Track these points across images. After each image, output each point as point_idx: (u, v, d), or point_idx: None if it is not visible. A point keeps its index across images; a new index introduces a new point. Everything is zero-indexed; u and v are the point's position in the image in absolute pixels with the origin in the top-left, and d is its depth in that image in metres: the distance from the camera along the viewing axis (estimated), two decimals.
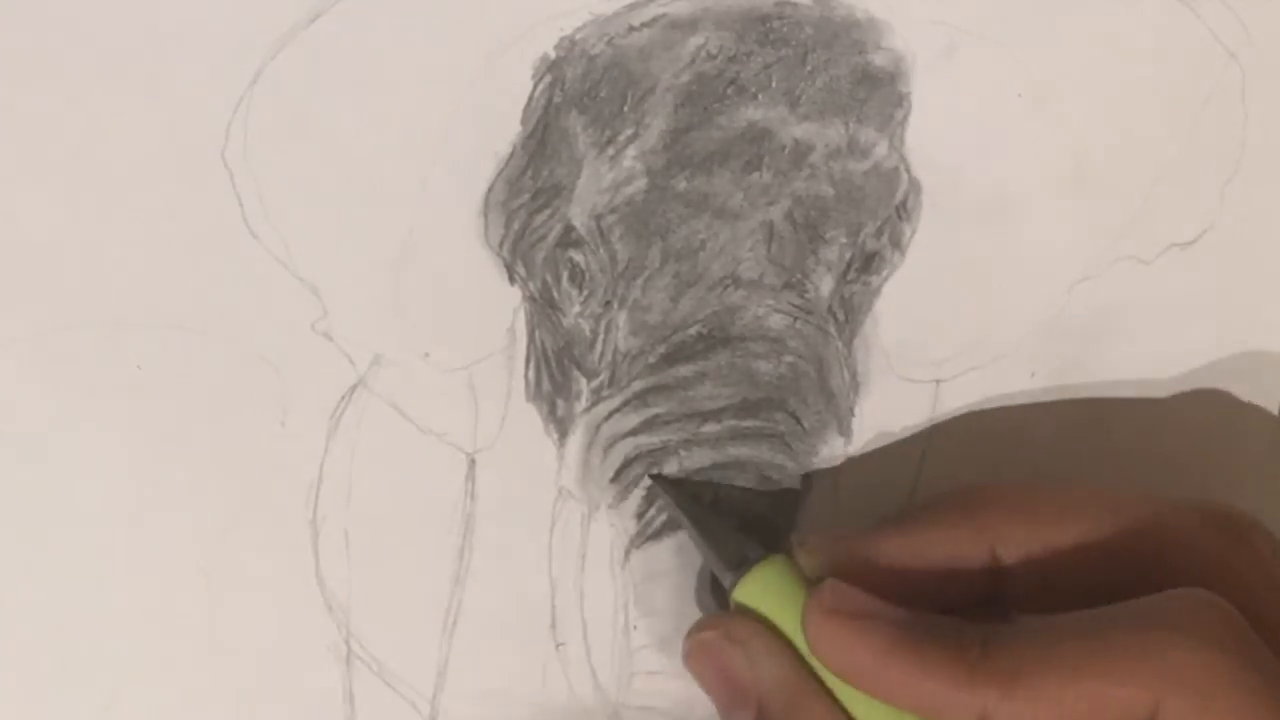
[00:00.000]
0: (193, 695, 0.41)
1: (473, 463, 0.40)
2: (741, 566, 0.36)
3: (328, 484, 0.41)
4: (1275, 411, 0.42)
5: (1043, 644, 0.32)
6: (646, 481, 0.39)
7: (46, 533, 0.40)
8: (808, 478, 0.40)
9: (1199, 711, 0.30)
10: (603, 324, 0.38)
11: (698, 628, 0.37)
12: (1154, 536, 0.35)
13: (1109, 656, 0.31)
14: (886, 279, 0.39)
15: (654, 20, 0.37)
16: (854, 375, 0.39)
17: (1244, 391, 0.41)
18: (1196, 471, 0.42)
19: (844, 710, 0.34)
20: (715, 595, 0.40)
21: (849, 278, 0.38)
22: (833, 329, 0.38)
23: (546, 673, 0.41)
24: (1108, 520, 0.35)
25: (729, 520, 0.39)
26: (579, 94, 0.37)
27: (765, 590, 0.36)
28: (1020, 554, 0.35)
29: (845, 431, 0.39)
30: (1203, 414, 0.42)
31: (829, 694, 0.34)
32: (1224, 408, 0.41)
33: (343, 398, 0.39)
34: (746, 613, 0.36)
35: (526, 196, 0.38)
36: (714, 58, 0.37)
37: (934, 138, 0.38)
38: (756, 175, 0.37)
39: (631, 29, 0.37)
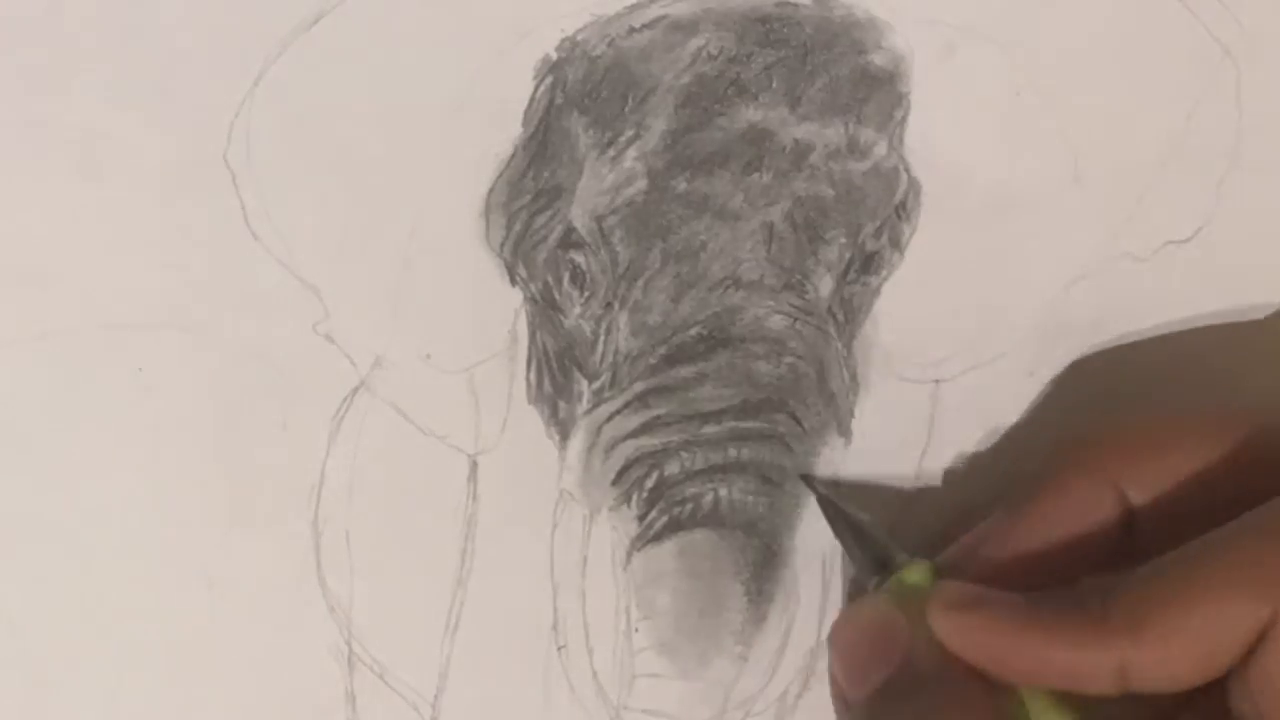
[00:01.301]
0: (194, 697, 0.41)
1: (474, 464, 0.40)
2: (886, 570, 0.37)
3: (329, 485, 0.41)
4: (1270, 405, 0.41)
5: (1159, 583, 0.32)
6: (648, 483, 0.39)
7: (47, 534, 0.39)
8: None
9: None
10: (604, 325, 0.38)
11: (860, 604, 0.37)
12: (1266, 449, 0.35)
13: (1220, 576, 0.31)
14: (886, 279, 0.39)
15: (655, 21, 0.37)
16: (854, 376, 0.39)
17: (1241, 388, 0.41)
18: None
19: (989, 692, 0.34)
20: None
21: (849, 278, 0.38)
22: (833, 330, 0.39)
23: (548, 675, 0.41)
24: (1225, 438, 0.35)
25: (880, 526, 0.39)
26: (580, 95, 0.37)
27: (911, 589, 0.36)
28: (1151, 492, 0.35)
29: (845, 432, 0.39)
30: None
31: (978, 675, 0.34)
32: (1222, 404, 0.41)
33: (344, 399, 0.39)
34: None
35: (528, 198, 0.38)
36: (714, 58, 0.37)
37: (933, 137, 0.38)
38: (757, 176, 0.38)
39: (632, 30, 0.37)
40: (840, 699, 0.36)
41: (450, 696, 0.42)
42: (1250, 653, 0.31)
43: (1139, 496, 0.35)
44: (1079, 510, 0.36)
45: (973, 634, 0.34)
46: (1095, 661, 0.32)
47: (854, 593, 0.40)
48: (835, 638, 0.37)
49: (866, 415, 0.40)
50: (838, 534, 0.39)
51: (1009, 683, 0.34)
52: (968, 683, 0.34)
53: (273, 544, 0.41)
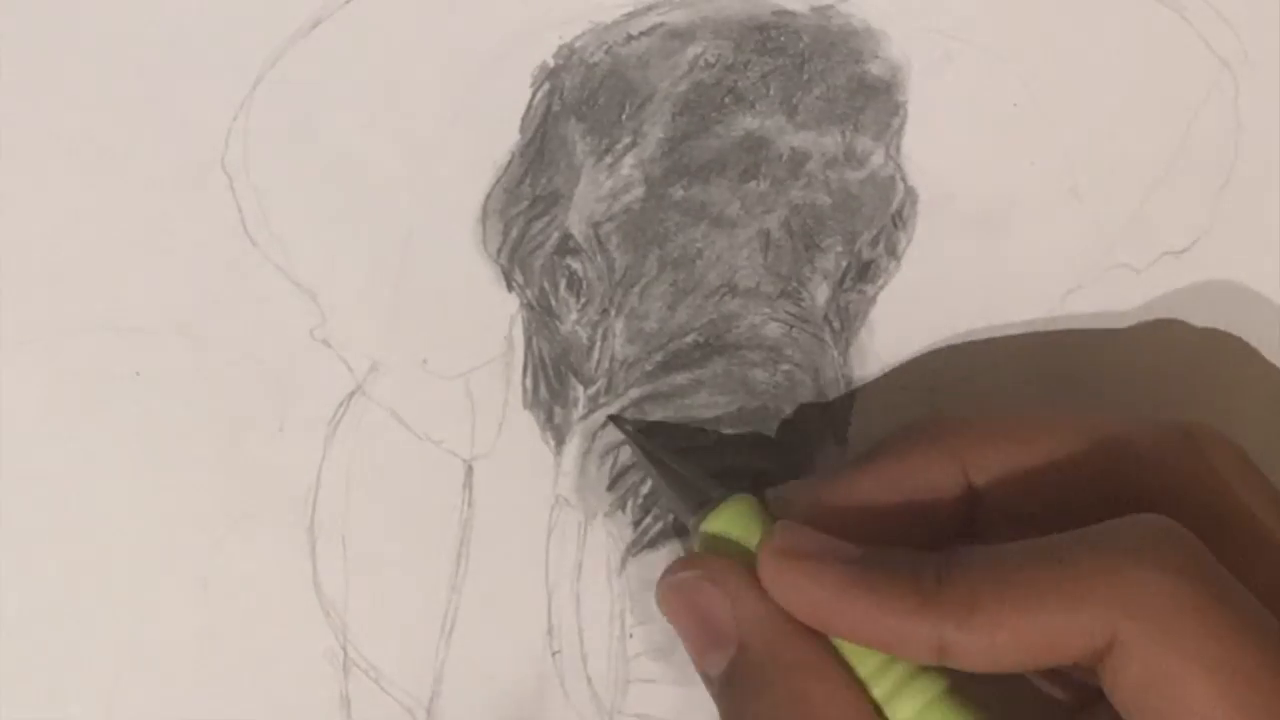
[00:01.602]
0: (189, 700, 0.41)
1: (470, 470, 0.40)
2: (704, 507, 0.36)
3: (325, 490, 0.40)
4: (1266, 416, 0.41)
5: (999, 572, 0.32)
6: (643, 490, 0.39)
7: (44, 537, 0.39)
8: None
9: (1156, 637, 0.30)
10: (600, 332, 0.38)
11: (671, 569, 0.36)
12: (1123, 454, 0.35)
13: (1066, 584, 0.31)
14: (882, 288, 0.39)
15: (652, 29, 0.37)
16: (850, 384, 0.39)
17: (1237, 399, 0.41)
18: None
19: (828, 646, 0.34)
20: (681, 547, 0.40)
21: (845, 286, 0.38)
22: (829, 337, 0.38)
23: (542, 680, 0.41)
24: (1077, 439, 0.35)
25: (694, 464, 0.38)
26: (577, 102, 0.37)
27: (732, 530, 0.36)
28: (994, 478, 0.35)
29: (841, 440, 0.39)
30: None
31: (809, 631, 0.34)
32: (1218, 415, 0.41)
33: (341, 404, 0.39)
34: (718, 552, 0.36)
35: (525, 204, 0.38)
36: (712, 66, 0.37)
37: (930, 146, 0.38)
38: (753, 184, 0.37)
39: (630, 37, 0.37)
40: (700, 671, 0.36)
41: (445, 701, 0.42)
42: (1095, 663, 0.31)
43: (982, 480, 0.35)
44: (922, 477, 0.35)
45: (798, 586, 0.33)
46: (917, 635, 0.31)
47: (677, 533, 0.39)
48: (665, 613, 0.36)
49: (862, 423, 0.40)
50: (654, 479, 0.39)
51: (822, 630, 0.33)
52: (809, 660, 0.34)
53: (268, 548, 0.41)
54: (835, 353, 0.39)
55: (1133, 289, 0.40)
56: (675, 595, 0.35)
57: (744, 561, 0.34)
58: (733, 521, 0.35)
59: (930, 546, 0.34)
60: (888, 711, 0.33)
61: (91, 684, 0.40)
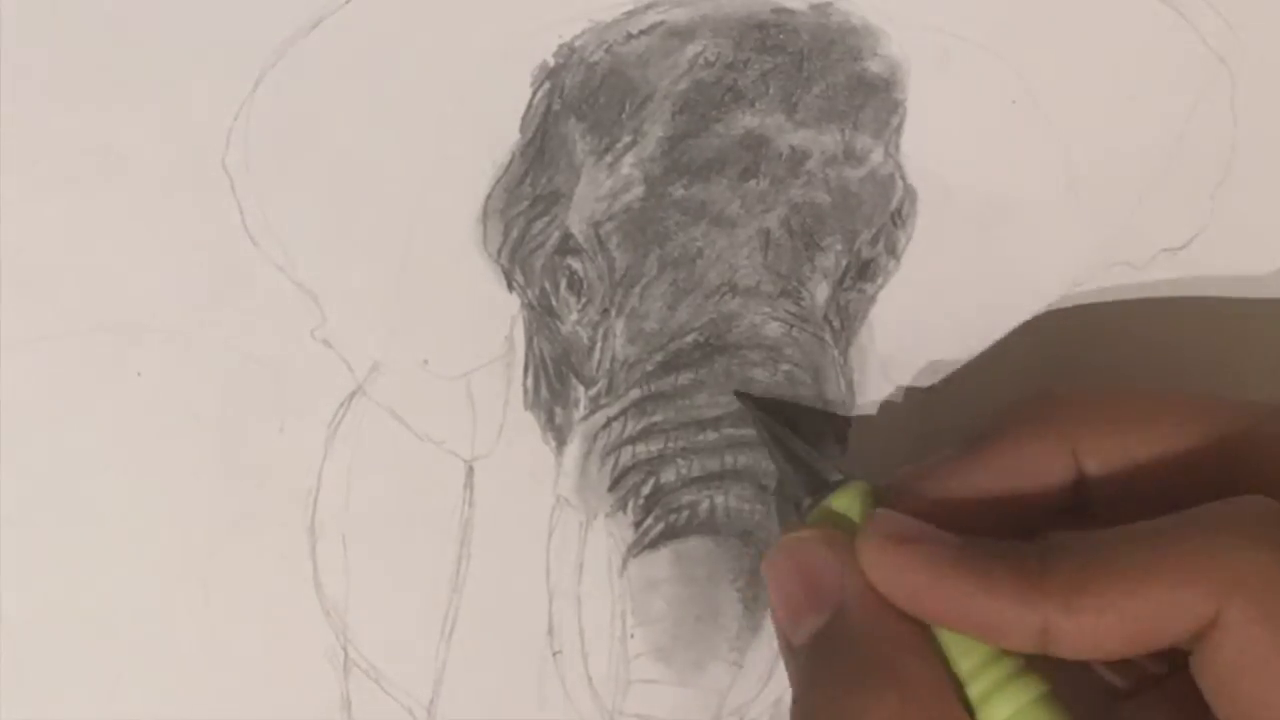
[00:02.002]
0: (190, 701, 0.41)
1: (471, 470, 0.40)
2: (821, 490, 0.36)
3: (326, 490, 0.41)
4: None
5: (1103, 554, 0.31)
6: (644, 490, 0.39)
7: (45, 537, 0.39)
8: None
9: (1262, 617, 0.30)
10: (600, 332, 0.38)
11: (790, 528, 0.36)
12: (1242, 442, 0.34)
13: (1170, 563, 0.31)
14: (882, 286, 0.39)
15: (652, 28, 0.37)
16: (850, 383, 0.39)
17: (1236, 396, 0.40)
18: None
19: (929, 636, 0.34)
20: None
21: (845, 285, 0.38)
22: (829, 336, 0.38)
23: (543, 680, 0.41)
24: (1196, 425, 0.35)
25: (810, 445, 0.38)
26: (577, 101, 0.37)
27: (847, 515, 0.36)
28: (1106, 462, 0.35)
29: (841, 439, 0.39)
30: None
31: (917, 620, 0.34)
32: None
33: (341, 404, 0.39)
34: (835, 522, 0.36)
35: (525, 204, 0.38)
36: (711, 65, 0.37)
37: (929, 145, 0.38)
38: (753, 183, 0.38)
39: (630, 36, 0.37)
40: (784, 640, 0.35)
41: (445, 701, 0.42)
42: (1193, 644, 0.31)
43: (1094, 466, 0.35)
44: (1030, 466, 0.35)
45: (900, 570, 0.33)
46: (1019, 618, 0.31)
47: (786, 516, 0.39)
48: (770, 574, 0.36)
49: (863, 422, 0.40)
50: (773, 456, 0.39)
51: (924, 618, 0.33)
52: (906, 637, 0.33)
53: (269, 548, 0.41)
54: (835, 352, 0.39)
55: (1132, 286, 0.40)
56: (786, 555, 0.35)
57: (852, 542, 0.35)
58: (848, 506, 0.35)
59: (1040, 529, 0.34)
60: (981, 714, 0.33)
61: (92, 684, 0.40)
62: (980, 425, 0.36)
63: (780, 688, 0.40)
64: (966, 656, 0.33)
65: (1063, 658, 0.31)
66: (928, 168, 0.38)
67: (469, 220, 0.38)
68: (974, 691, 0.32)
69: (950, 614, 0.32)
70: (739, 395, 0.39)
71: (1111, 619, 0.30)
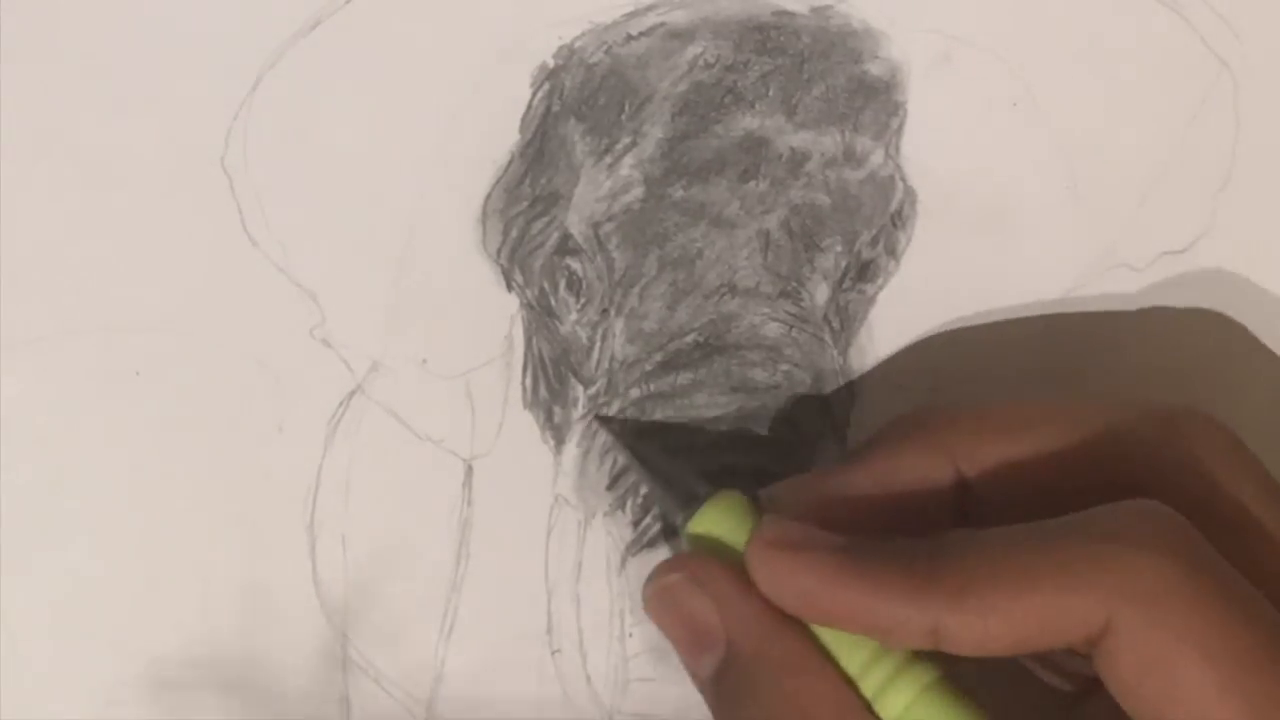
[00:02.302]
0: (187, 700, 0.41)
1: (470, 469, 0.40)
2: (692, 505, 0.36)
3: (325, 489, 0.41)
4: (1267, 416, 0.41)
5: (992, 555, 0.32)
6: (643, 489, 0.39)
7: (42, 537, 0.39)
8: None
9: (1151, 621, 0.30)
10: (599, 332, 0.38)
11: (657, 572, 0.35)
12: (1112, 441, 0.35)
13: (1059, 567, 0.31)
14: (882, 287, 0.39)
15: (652, 29, 0.37)
16: (849, 384, 0.39)
17: (1238, 399, 0.41)
18: None
19: (816, 644, 0.34)
20: (671, 546, 0.39)
21: (844, 286, 0.38)
22: (828, 337, 0.39)
23: (542, 679, 0.41)
24: (1067, 428, 0.35)
25: (681, 461, 0.38)
26: (577, 102, 0.37)
27: (719, 528, 0.35)
28: (984, 470, 0.35)
29: (840, 440, 0.39)
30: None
31: (800, 628, 0.34)
32: (1218, 414, 0.40)
33: (340, 404, 0.39)
34: (705, 553, 0.35)
35: (524, 204, 0.38)
36: (711, 66, 0.37)
37: (929, 146, 0.38)
38: (753, 184, 0.37)
39: (630, 38, 0.37)
40: (691, 675, 0.36)
41: (444, 700, 0.42)
42: (1089, 648, 0.32)
43: (973, 472, 0.35)
44: (912, 472, 0.35)
45: (788, 575, 0.33)
46: (910, 619, 0.31)
47: (666, 533, 0.39)
48: (652, 618, 0.36)
49: (862, 423, 0.40)
50: (643, 479, 0.39)
51: (815, 623, 0.33)
52: (800, 657, 0.34)
53: (268, 547, 0.41)
54: (835, 353, 0.39)
55: (1133, 288, 0.40)
56: (659, 600, 0.35)
57: (733, 560, 0.34)
58: (721, 519, 0.35)
59: (928, 532, 0.34)
60: (878, 707, 0.33)
61: (89, 683, 0.40)
62: (864, 441, 0.37)
63: None
64: (854, 654, 0.33)
65: (954, 654, 0.32)
66: (928, 170, 0.38)
67: (468, 220, 0.38)
68: (868, 687, 0.33)
69: (842, 616, 0.32)
70: (599, 419, 0.40)
71: (997, 621, 0.31)
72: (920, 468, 0.35)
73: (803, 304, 0.38)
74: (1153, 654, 0.30)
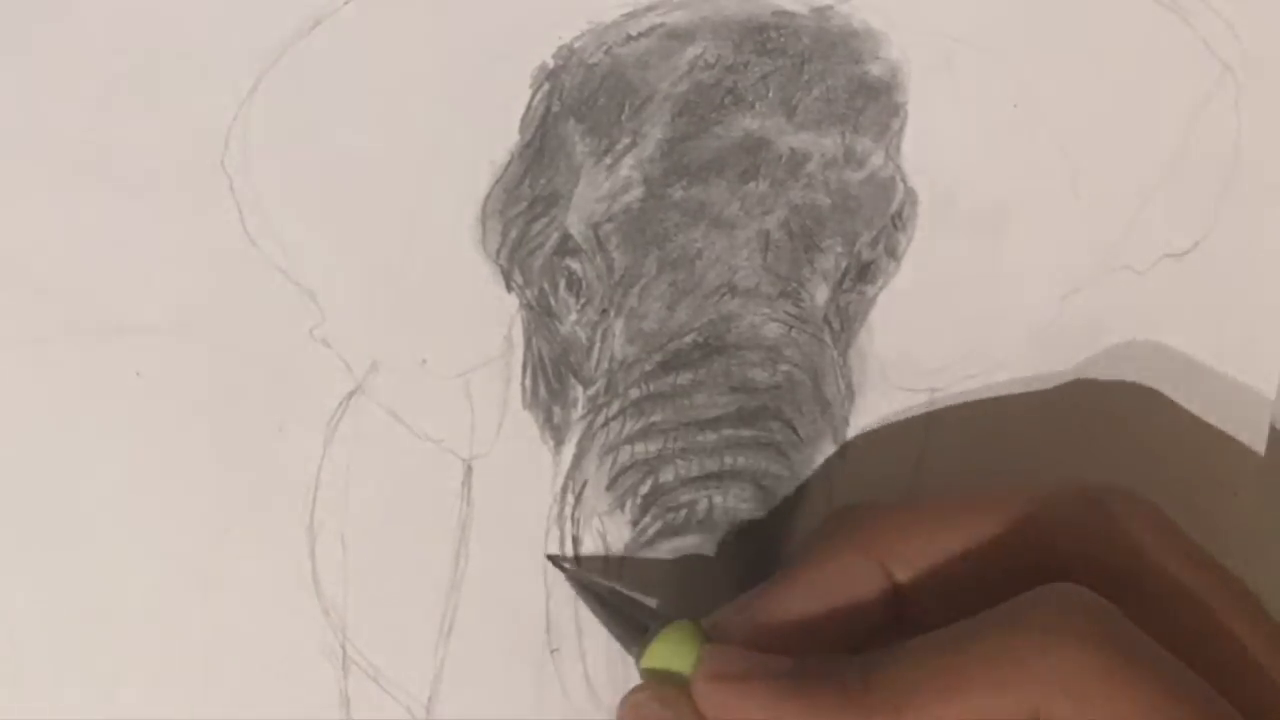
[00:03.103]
0: (188, 699, 0.41)
1: (469, 469, 0.40)
2: (644, 638, 0.37)
3: (325, 489, 0.40)
4: (1267, 420, 0.42)
5: (918, 666, 0.33)
6: (642, 490, 0.39)
7: (43, 538, 0.39)
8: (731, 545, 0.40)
9: (1078, 712, 0.31)
10: (599, 332, 0.38)
11: (631, 693, 0.37)
12: (1038, 528, 0.35)
13: (983, 668, 0.32)
14: (882, 288, 0.39)
15: (652, 29, 0.37)
16: (849, 384, 0.39)
17: (1237, 401, 0.41)
18: (1186, 479, 0.42)
19: None
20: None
21: (844, 287, 0.38)
22: (828, 338, 0.39)
23: (541, 679, 0.41)
24: (989, 518, 0.36)
25: (632, 596, 0.39)
26: (577, 102, 0.37)
27: (671, 658, 0.37)
28: (914, 569, 0.36)
29: (840, 440, 0.39)
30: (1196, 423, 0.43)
31: None
32: (1216, 417, 0.42)
33: (340, 404, 0.39)
34: (660, 683, 0.37)
35: (524, 204, 0.38)
36: (711, 67, 0.37)
37: (930, 148, 0.38)
38: (753, 184, 0.37)
39: (629, 38, 0.37)
40: None
41: (444, 700, 0.42)
42: None
43: (904, 574, 0.36)
44: (844, 581, 0.36)
45: (733, 706, 0.34)
46: None
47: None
48: None
49: (861, 424, 0.40)
50: (594, 610, 0.40)
51: None
52: None
53: (268, 547, 0.41)
54: (835, 353, 0.39)
55: (1134, 290, 0.40)
56: (632, 715, 0.37)
57: (681, 683, 0.36)
58: (672, 650, 0.37)
59: (866, 642, 0.35)
60: None
61: (89, 683, 0.40)
62: (796, 548, 0.38)
63: None
64: None
65: None
66: (929, 170, 0.38)
67: (468, 220, 0.38)
68: None
69: None
70: (550, 559, 0.40)
71: (934, 715, 0.32)
72: (850, 576, 0.37)
73: (802, 304, 0.38)
74: None
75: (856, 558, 0.36)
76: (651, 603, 0.39)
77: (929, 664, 0.32)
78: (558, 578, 0.40)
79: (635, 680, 0.40)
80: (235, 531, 0.40)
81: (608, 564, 0.40)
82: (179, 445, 0.39)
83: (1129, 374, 0.41)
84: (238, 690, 0.41)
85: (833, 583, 0.36)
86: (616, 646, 0.40)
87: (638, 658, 0.37)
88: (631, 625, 0.38)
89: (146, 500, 0.40)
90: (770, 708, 0.33)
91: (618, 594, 0.39)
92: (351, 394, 0.40)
